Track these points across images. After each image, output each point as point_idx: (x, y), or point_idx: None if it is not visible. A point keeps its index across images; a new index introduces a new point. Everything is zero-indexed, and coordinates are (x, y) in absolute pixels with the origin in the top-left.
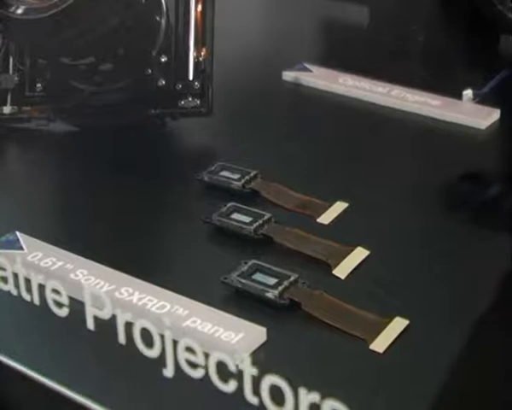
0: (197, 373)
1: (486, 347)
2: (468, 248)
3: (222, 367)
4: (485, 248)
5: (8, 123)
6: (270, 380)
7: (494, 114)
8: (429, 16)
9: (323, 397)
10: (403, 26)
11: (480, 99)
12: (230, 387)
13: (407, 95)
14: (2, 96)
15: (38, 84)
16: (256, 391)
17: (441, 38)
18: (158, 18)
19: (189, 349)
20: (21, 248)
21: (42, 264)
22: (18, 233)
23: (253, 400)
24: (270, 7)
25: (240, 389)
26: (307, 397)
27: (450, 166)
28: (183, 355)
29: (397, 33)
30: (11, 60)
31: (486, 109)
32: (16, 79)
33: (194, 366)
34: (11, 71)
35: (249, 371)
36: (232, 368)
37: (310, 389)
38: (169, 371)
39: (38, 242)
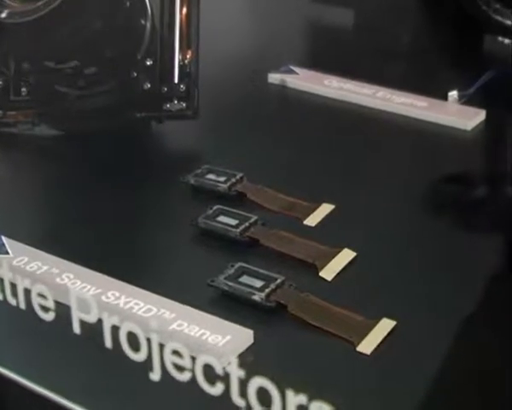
0: (184, 376)
1: (472, 346)
2: (454, 249)
3: (209, 370)
4: (471, 248)
5: None
6: (257, 382)
7: (480, 115)
8: (414, 18)
9: (311, 399)
10: (388, 28)
11: (466, 100)
12: (217, 390)
13: (393, 96)
14: None
15: (23, 89)
16: (243, 394)
17: (426, 39)
18: (143, 21)
19: (176, 352)
20: (7, 253)
21: (28, 268)
22: (3, 237)
23: (241, 402)
24: (256, 9)
25: (227, 391)
26: (294, 399)
27: (435, 167)
28: (169, 358)
29: (382, 35)
30: None
31: (472, 110)
32: (0, 83)
33: (180, 369)
34: None
35: (236, 373)
36: (219, 371)
37: (297, 391)
38: (156, 375)
39: (24, 246)
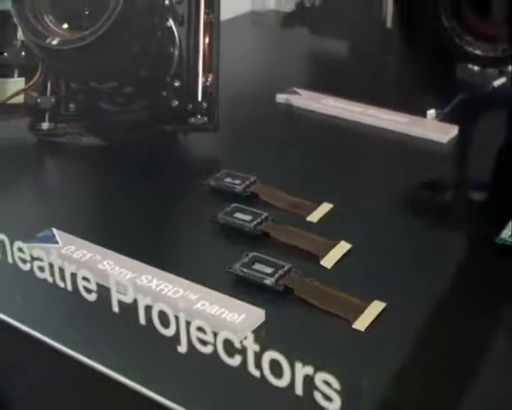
0: (207, 349)
1: (450, 325)
2: (431, 243)
3: (228, 344)
4: (444, 242)
5: (46, 137)
6: (269, 355)
7: (453, 130)
8: (398, 49)
9: (316, 370)
10: (376, 57)
11: (442, 117)
12: (235, 361)
13: (380, 114)
14: (42, 114)
15: (72, 105)
16: (258, 365)
17: (409, 66)
18: (172, 49)
19: (200, 329)
20: (57, 243)
21: (74, 256)
22: (54, 229)
23: (256, 372)
24: (265, 41)
25: (244, 362)
26: (302, 370)
27: (416, 174)
28: (194, 334)
29: (371, 62)
30: (49, 84)
31: (447, 126)
32: (53, 100)
33: (204, 343)
34: (49, 93)
35: (252, 347)
36: (237, 345)
37: (304, 363)
38: (183, 348)
39: (71, 237)
